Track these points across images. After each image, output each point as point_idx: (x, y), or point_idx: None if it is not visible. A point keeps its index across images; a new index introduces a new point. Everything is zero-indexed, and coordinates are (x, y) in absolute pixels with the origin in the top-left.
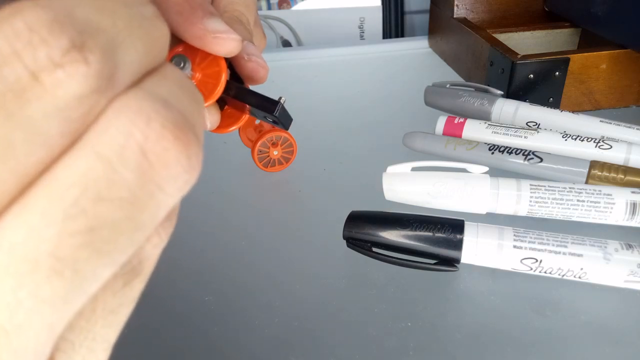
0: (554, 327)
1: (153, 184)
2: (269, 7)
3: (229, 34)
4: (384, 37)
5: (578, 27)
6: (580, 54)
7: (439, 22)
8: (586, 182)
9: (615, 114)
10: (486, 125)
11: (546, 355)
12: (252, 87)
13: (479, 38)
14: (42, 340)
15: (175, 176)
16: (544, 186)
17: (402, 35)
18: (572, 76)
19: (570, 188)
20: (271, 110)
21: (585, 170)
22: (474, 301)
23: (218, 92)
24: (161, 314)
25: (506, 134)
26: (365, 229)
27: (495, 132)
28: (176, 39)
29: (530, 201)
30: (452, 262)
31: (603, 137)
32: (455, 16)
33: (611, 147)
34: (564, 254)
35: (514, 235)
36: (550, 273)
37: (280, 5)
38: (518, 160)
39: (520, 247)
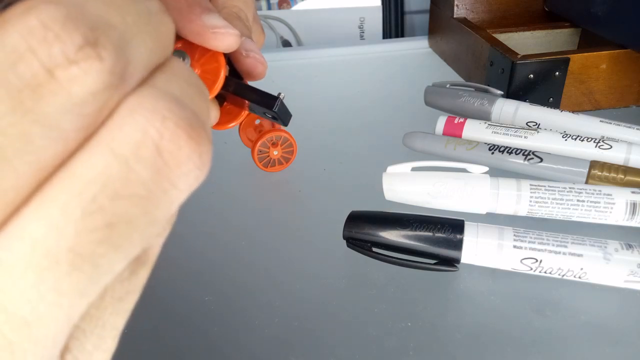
0: (554, 327)
1: (167, 181)
2: (269, 7)
3: (227, 29)
4: (384, 37)
5: (578, 27)
6: (580, 54)
7: (439, 22)
8: (586, 182)
9: (615, 114)
10: (486, 125)
11: (546, 355)
12: (250, 84)
13: (479, 38)
14: (60, 330)
15: (187, 173)
16: (544, 186)
17: (402, 35)
18: (572, 76)
19: (570, 188)
20: (270, 106)
21: (585, 170)
22: (474, 301)
23: (217, 87)
24: (161, 314)
25: (506, 134)
26: (365, 229)
27: (495, 132)
28: (175, 36)
29: (530, 201)
30: (452, 262)
31: (603, 137)
32: (455, 16)
33: (611, 147)
34: (564, 254)
35: (514, 235)
36: (550, 273)
37: (280, 5)
38: (518, 160)
39: (520, 247)
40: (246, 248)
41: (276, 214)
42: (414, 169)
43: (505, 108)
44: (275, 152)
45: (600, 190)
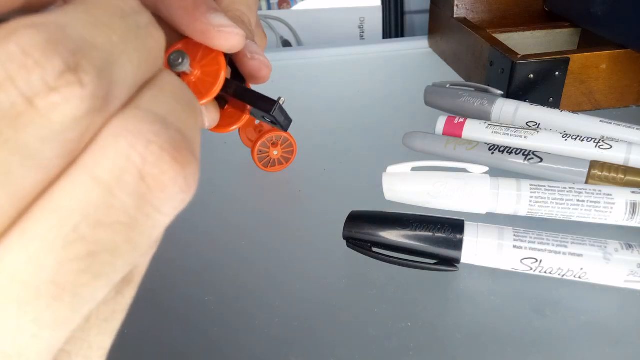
0: (554, 327)
1: (150, 206)
2: (269, 7)
3: (232, 28)
4: (384, 37)
5: (578, 27)
6: (580, 54)
7: (439, 22)
8: (586, 182)
9: (615, 114)
10: (486, 125)
11: (546, 355)
12: (253, 87)
13: (479, 38)
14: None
15: (172, 197)
16: (544, 186)
17: (402, 35)
18: (572, 76)
19: (570, 188)
20: (268, 110)
21: (585, 170)
22: (474, 301)
23: (216, 90)
24: (161, 314)
25: (506, 134)
26: (365, 229)
27: (495, 132)
28: (177, 36)
29: (530, 201)
30: (452, 262)
31: (603, 137)
32: (455, 16)
33: (611, 147)
34: (564, 254)
35: (514, 235)
36: (550, 273)
37: (280, 5)
38: (518, 160)
39: (520, 247)
40: (246, 248)
41: (276, 214)
42: (414, 169)
43: (505, 108)
44: (275, 152)
45: (600, 190)
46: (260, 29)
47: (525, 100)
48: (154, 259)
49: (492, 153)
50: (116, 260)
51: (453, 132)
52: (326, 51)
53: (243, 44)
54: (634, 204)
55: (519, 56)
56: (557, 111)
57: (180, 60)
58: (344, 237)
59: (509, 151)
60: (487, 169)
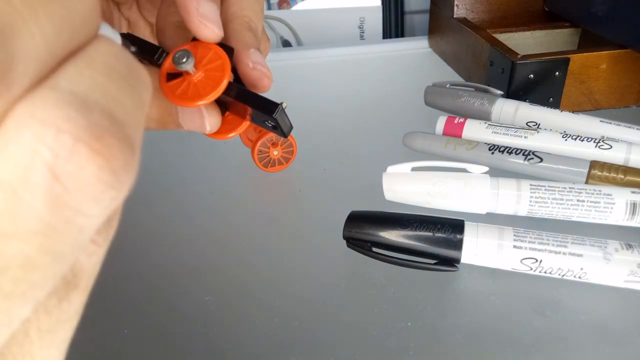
0: (554, 327)
1: (69, 209)
2: (269, 7)
3: (214, 26)
4: (384, 37)
5: (578, 27)
6: (580, 54)
7: (439, 22)
8: (586, 182)
9: (615, 114)
10: (486, 125)
11: (546, 355)
12: None
13: (479, 38)
14: None
15: (97, 195)
16: (544, 186)
17: (402, 35)
18: (572, 76)
19: (570, 188)
20: (271, 112)
21: (585, 170)
22: (474, 301)
23: (217, 92)
24: (161, 314)
25: (506, 134)
26: (365, 229)
27: (495, 132)
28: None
29: (530, 201)
30: (452, 262)
31: (603, 137)
32: (455, 16)
33: (611, 147)
34: (564, 254)
35: (514, 235)
36: (550, 273)
37: (280, 5)
38: (518, 160)
39: (520, 247)
40: (246, 248)
41: (276, 214)
42: (414, 169)
43: (505, 108)
44: (275, 152)
45: (600, 190)
46: (265, 35)
47: (525, 100)
48: (154, 259)
49: (492, 153)
50: (32, 275)
51: (453, 132)
52: (326, 51)
53: (216, 40)
54: (634, 204)
55: (519, 56)
56: (557, 111)
57: (184, 59)
58: (344, 237)
59: (509, 151)
60: (487, 169)
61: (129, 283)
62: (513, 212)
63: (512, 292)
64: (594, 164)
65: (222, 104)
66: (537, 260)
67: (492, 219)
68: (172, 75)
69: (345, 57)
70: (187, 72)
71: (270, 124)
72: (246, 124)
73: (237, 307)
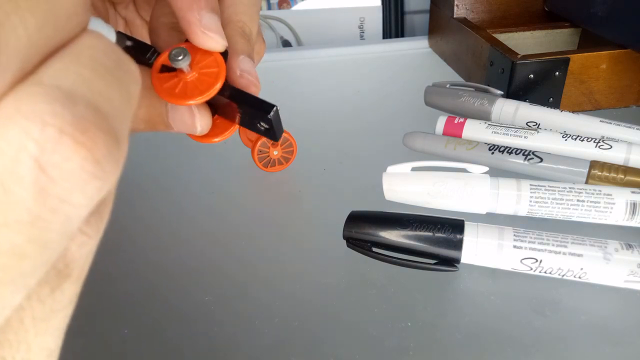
0: (554, 327)
1: (55, 199)
2: (269, 7)
3: (217, 36)
4: (384, 37)
5: (578, 27)
6: (580, 54)
7: (439, 22)
8: (586, 182)
9: (615, 114)
10: (486, 125)
11: (546, 355)
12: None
13: (479, 38)
14: None
15: (82, 185)
16: (544, 186)
17: (402, 35)
18: (572, 76)
19: (570, 188)
20: (266, 112)
21: (585, 170)
22: (474, 301)
23: (214, 90)
24: (161, 314)
25: (506, 134)
26: (365, 229)
27: (495, 132)
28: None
29: (530, 201)
30: (452, 262)
31: (603, 137)
32: (455, 16)
33: (611, 147)
34: (564, 254)
35: (514, 235)
36: (550, 273)
37: (280, 5)
38: (518, 160)
39: (520, 247)
40: (246, 248)
41: (276, 214)
42: (414, 169)
43: (505, 108)
44: (275, 152)
45: (600, 190)
46: (260, 37)
47: (525, 100)
48: (154, 259)
49: (492, 153)
50: (21, 263)
51: (453, 132)
52: (326, 51)
53: (220, 49)
54: (634, 204)
55: (519, 56)
56: (557, 111)
57: (180, 57)
58: (344, 237)
59: (509, 151)
60: (487, 169)
61: (129, 283)
62: (513, 212)
63: (512, 292)
64: (594, 164)
65: (211, 107)
66: (537, 260)
67: (492, 219)
68: (166, 70)
69: (345, 57)
70: (181, 70)
71: (263, 126)
72: (234, 128)
73: (237, 307)
